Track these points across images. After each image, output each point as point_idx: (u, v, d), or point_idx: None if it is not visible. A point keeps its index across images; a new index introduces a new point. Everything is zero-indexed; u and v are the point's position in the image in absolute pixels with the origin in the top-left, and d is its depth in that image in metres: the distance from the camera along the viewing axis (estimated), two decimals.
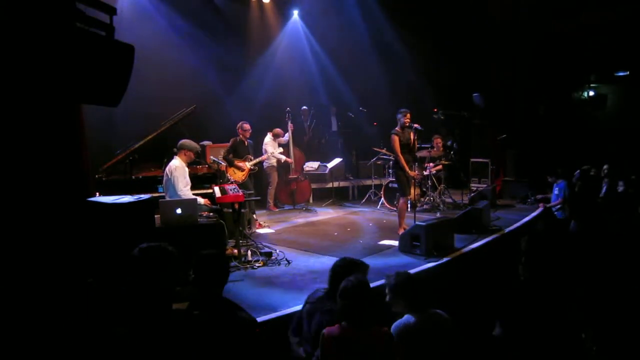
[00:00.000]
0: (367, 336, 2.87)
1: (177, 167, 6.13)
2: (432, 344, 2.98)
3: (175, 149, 6.38)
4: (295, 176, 9.88)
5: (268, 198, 9.60)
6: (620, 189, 7.14)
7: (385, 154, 9.86)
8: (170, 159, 6.38)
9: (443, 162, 9.62)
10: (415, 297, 3.13)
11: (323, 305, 3.23)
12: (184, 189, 6.15)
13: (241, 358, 2.66)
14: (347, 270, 3.26)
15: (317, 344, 2.95)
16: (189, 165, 6.52)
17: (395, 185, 8.01)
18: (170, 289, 3.14)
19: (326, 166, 10.36)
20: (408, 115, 7.17)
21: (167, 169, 6.18)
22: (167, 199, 6.05)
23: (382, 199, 9.64)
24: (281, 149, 9.53)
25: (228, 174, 7.90)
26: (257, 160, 8.68)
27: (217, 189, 6.55)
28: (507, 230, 7.46)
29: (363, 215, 9.14)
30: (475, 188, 10.21)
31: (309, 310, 3.31)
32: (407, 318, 3.09)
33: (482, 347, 2.45)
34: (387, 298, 3.24)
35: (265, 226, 8.14)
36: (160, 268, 3.08)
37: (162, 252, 3.09)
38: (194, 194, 6.37)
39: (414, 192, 7.57)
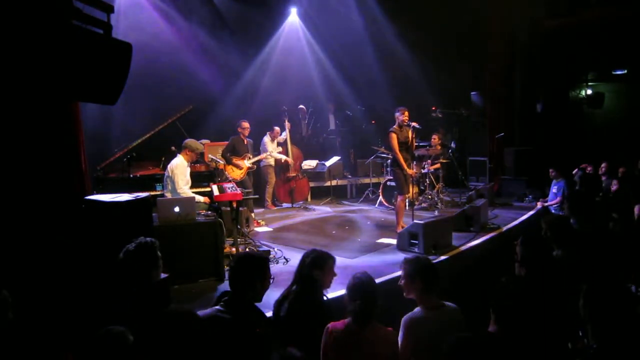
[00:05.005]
0: (371, 334, 2.87)
1: (178, 165, 6.18)
2: (442, 337, 2.95)
3: (174, 148, 6.39)
4: (294, 174, 9.88)
5: (266, 196, 9.59)
6: (614, 187, 7.17)
7: (383, 152, 9.87)
8: (168, 157, 6.38)
9: (441, 160, 9.62)
10: (432, 282, 3.09)
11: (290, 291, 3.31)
12: (184, 187, 6.18)
13: None
14: (314, 262, 3.33)
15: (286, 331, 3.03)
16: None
17: (394, 184, 8.02)
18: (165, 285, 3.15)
19: (324, 164, 10.36)
20: (406, 113, 7.16)
21: (168, 166, 6.24)
22: (167, 196, 6.06)
23: (380, 197, 9.64)
24: (280, 148, 9.54)
25: (226, 172, 7.89)
26: (256, 158, 8.68)
27: (215, 187, 6.55)
28: (505, 228, 7.47)
29: (361, 214, 9.14)
30: (473, 186, 10.21)
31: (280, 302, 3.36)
32: (419, 310, 3.07)
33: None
34: (402, 282, 3.20)
35: (263, 224, 8.13)
36: (152, 261, 3.10)
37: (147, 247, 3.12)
38: (193, 192, 6.38)
39: (412, 190, 7.57)
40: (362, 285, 2.93)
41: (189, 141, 6.38)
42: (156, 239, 3.22)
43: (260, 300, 2.91)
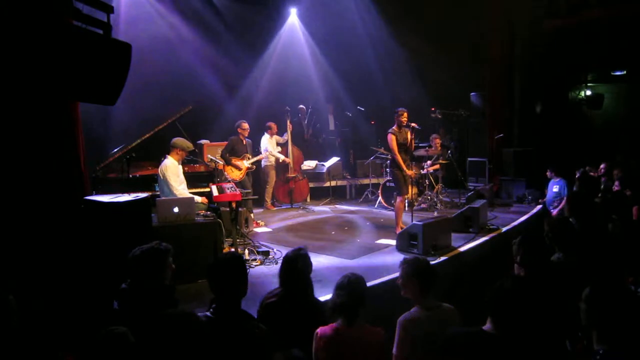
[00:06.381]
0: (361, 335, 2.87)
1: (169, 167, 6.12)
2: (438, 337, 2.95)
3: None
4: (293, 175, 9.88)
5: (265, 197, 9.60)
6: (616, 188, 7.16)
7: (382, 153, 9.87)
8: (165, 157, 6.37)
9: (441, 161, 9.62)
10: (430, 283, 3.10)
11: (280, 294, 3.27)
12: (179, 188, 6.14)
13: None
14: (306, 263, 3.33)
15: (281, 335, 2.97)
16: (185, 163, 6.49)
17: (393, 184, 8.02)
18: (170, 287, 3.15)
19: (324, 165, 10.37)
20: (405, 114, 7.16)
21: (159, 168, 6.19)
22: (163, 198, 6.05)
23: (380, 198, 9.64)
24: (279, 148, 9.53)
25: (226, 173, 7.89)
26: (255, 158, 8.68)
27: (214, 188, 6.54)
28: (504, 229, 7.47)
29: (360, 214, 9.13)
30: (472, 187, 10.21)
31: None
32: (415, 311, 3.07)
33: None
34: (399, 281, 3.20)
35: (262, 225, 8.13)
36: (159, 266, 3.10)
37: (156, 251, 3.11)
38: (191, 193, 6.37)
39: (411, 191, 7.57)
40: (350, 283, 2.94)
41: (177, 140, 6.33)
42: (170, 246, 3.19)
43: (245, 295, 2.88)
